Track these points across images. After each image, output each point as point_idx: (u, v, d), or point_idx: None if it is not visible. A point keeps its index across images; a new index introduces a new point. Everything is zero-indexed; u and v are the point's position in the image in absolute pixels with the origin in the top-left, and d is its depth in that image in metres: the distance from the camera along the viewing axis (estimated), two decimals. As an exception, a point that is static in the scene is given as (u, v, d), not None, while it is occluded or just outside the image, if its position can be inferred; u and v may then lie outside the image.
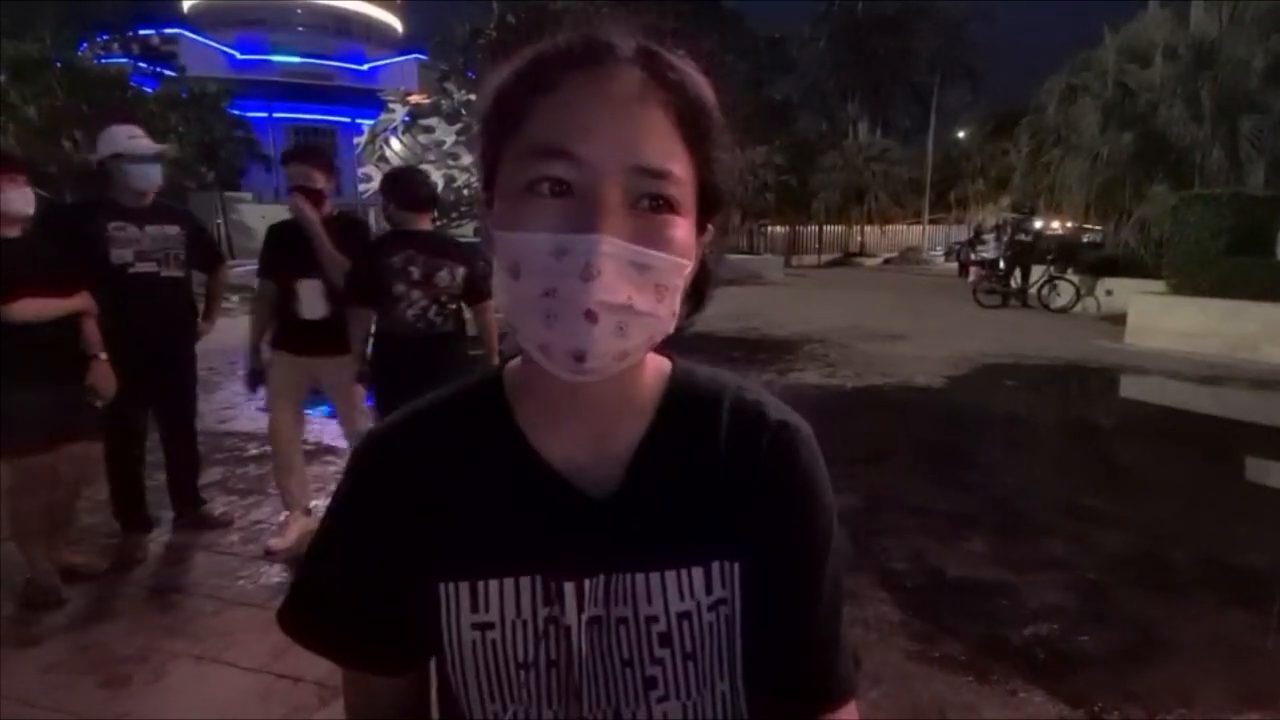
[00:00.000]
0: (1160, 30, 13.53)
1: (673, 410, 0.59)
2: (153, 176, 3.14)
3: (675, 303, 0.51)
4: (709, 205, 0.54)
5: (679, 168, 0.50)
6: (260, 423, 5.41)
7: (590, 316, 0.46)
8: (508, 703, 0.57)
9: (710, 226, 0.56)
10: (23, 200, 2.70)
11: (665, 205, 0.49)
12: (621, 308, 0.47)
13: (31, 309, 2.64)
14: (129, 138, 3.11)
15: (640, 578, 0.56)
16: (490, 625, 0.56)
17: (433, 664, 0.62)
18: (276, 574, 3.05)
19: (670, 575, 0.56)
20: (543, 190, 0.48)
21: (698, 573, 0.57)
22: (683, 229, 0.50)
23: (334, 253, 3.03)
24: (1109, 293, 12.14)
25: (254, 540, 3.36)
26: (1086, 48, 15.29)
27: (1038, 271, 13.40)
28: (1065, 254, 13.70)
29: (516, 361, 0.61)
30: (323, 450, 4.75)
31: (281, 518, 3.40)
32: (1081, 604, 2.93)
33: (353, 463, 0.61)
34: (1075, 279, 12.86)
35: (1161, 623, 2.81)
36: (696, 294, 0.58)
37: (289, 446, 3.28)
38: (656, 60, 0.51)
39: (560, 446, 0.57)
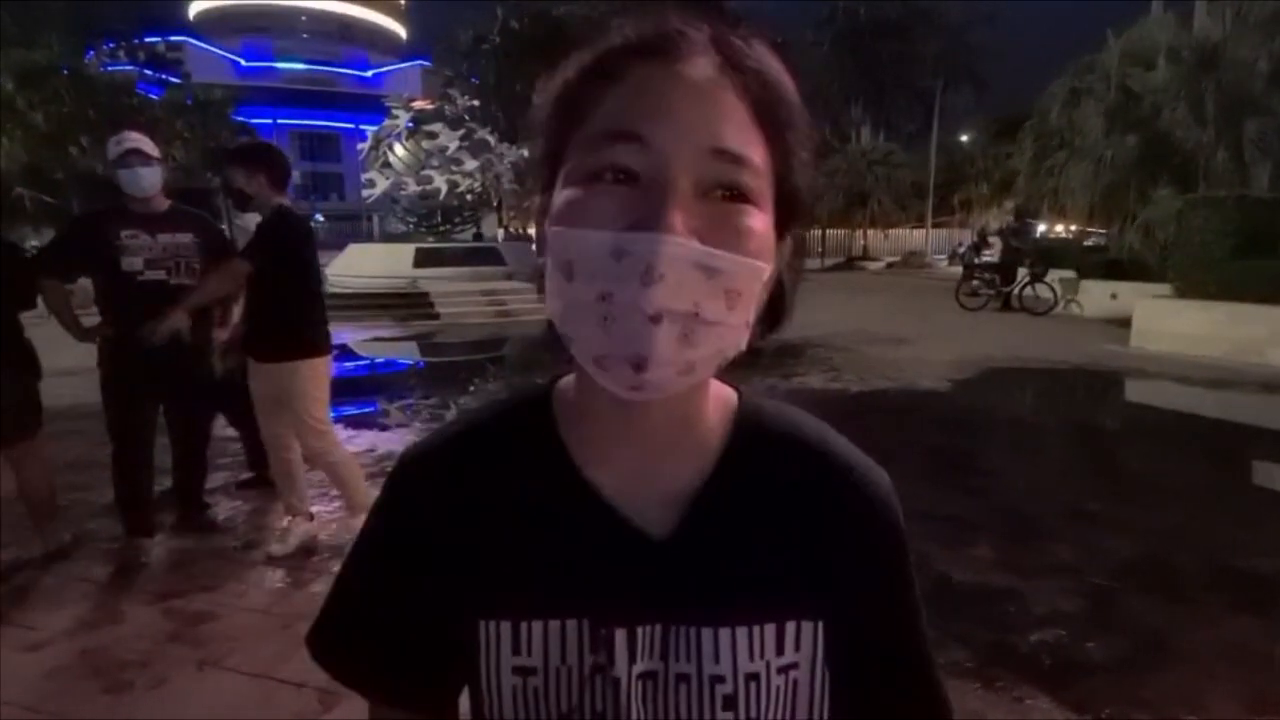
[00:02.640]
0: (1164, 33, 13.52)
1: (741, 448, 0.54)
2: (141, 181, 3.09)
3: (750, 312, 0.46)
4: (787, 208, 0.49)
5: (758, 157, 0.45)
6: (264, 427, 5.43)
7: (654, 320, 0.42)
8: None
9: (789, 237, 0.51)
10: None
11: (742, 195, 0.45)
12: (686, 315, 0.42)
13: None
14: (115, 144, 3.13)
15: (708, 632, 0.51)
16: (533, 670, 0.52)
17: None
18: (279, 579, 3.05)
19: (741, 632, 0.51)
20: (608, 178, 0.44)
21: (770, 630, 0.52)
22: (761, 222, 0.45)
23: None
24: (1113, 296, 12.11)
25: (256, 545, 3.36)
26: (1090, 51, 15.31)
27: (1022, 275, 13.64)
28: (1045, 258, 13.87)
29: (568, 380, 0.56)
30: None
31: (284, 523, 3.40)
32: (1088, 610, 2.91)
33: (390, 481, 0.57)
34: (1052, 283, 13.11)
35: (1169, 628, 2.79)
36: (773, 314, 0.52)
37: (286, 454, 3.27)
38: (731, 46, 0.47)
39: (613, 478, 0.53)
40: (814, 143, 0.51)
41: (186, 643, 2.57)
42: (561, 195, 0.46)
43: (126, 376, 3.12)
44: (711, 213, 0.44)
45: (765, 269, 0.46)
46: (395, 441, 5.16)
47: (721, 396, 0.56)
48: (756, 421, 0.56)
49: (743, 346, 0.48)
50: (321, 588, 3.00)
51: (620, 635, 0.51)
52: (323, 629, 0.59)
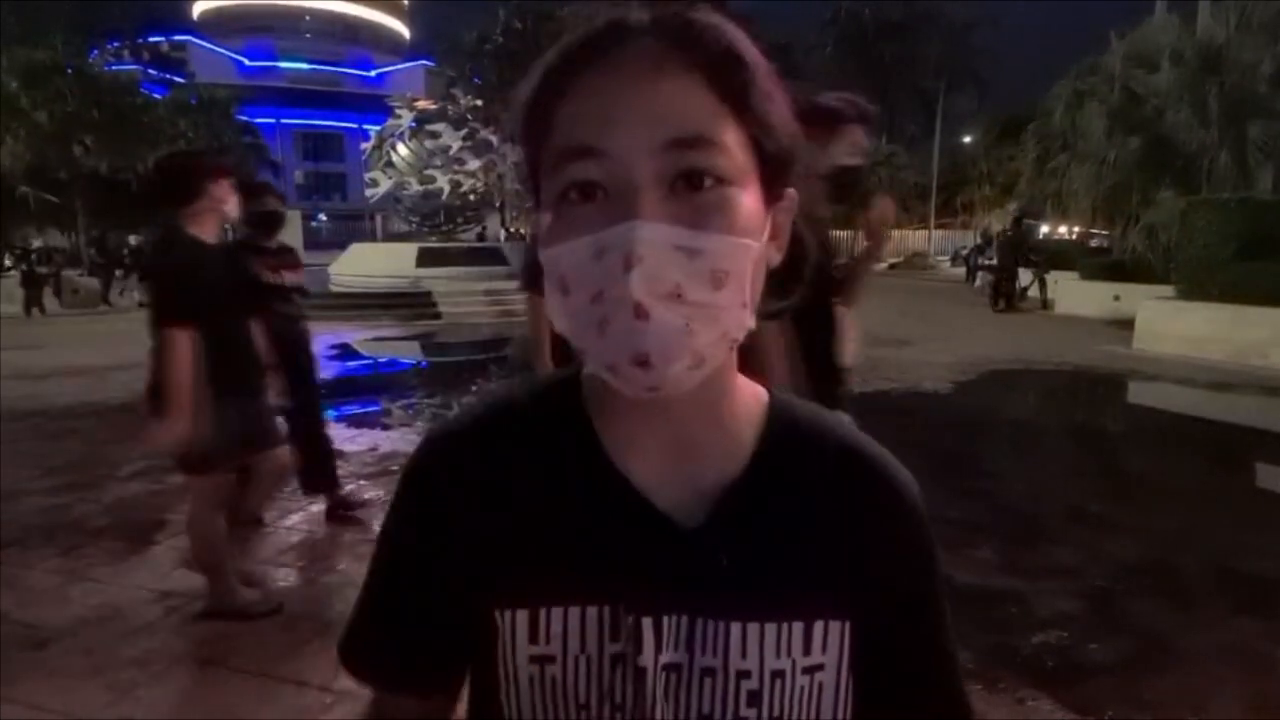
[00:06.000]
0: (1167, 35, 13.49)
1: (773, 445, 0.54)
2: None
3: (744, 290, 0.45)
4: (775, 169, 0.47)
5: (722, 133, 0.44)
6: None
7: (639, 312, 0.41)
8: None
9: (791, 191, 0.50)
10: (234, 207, 2.63)
11: (713, 179, 0.43)
12: (671, 297, 0.42)
13: None
14: None
15: (736, 626, 0.50)
16: (551, 659, 0.50)
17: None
18: (281, 579, 3.06)
19: (770, 627, 0.51)
20: (573, 197, 0.44)
21: (798, 629, 0.51)
22: (741, 201, 0.44)
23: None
24: (1116, 298, 12.10)
25: (258, 545, 3.37)
26: (1093, 53, 15.28)
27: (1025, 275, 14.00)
28: (1040, 259, 14.08)
29: None
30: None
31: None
32: (1090, 611, 2.90)
33: (414, 463, 0.55)
34: (1046, 280, 13.61)
35: (1171, 630, 2.78)
36: (795, 272, 0.52)
37: None
38: (675, 22, 0.45)
39: (644, 468, 0.51)
40: (787, 97, 0.48)
41: (188, 641, 2.58)
42: (544, 218, 0.46)
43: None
44: (683, 208, 0.43)
45: (753, 245, 0.45)
46: (397, 441, 5.17)
47: (752, 393, 0.56)
48: (789, 419, 0.56)
49: (749, 325, 0.46)
50: (321, 588, 3.00)
51: (647, 624, 0.49)
52: (351, 636, 0.57)
